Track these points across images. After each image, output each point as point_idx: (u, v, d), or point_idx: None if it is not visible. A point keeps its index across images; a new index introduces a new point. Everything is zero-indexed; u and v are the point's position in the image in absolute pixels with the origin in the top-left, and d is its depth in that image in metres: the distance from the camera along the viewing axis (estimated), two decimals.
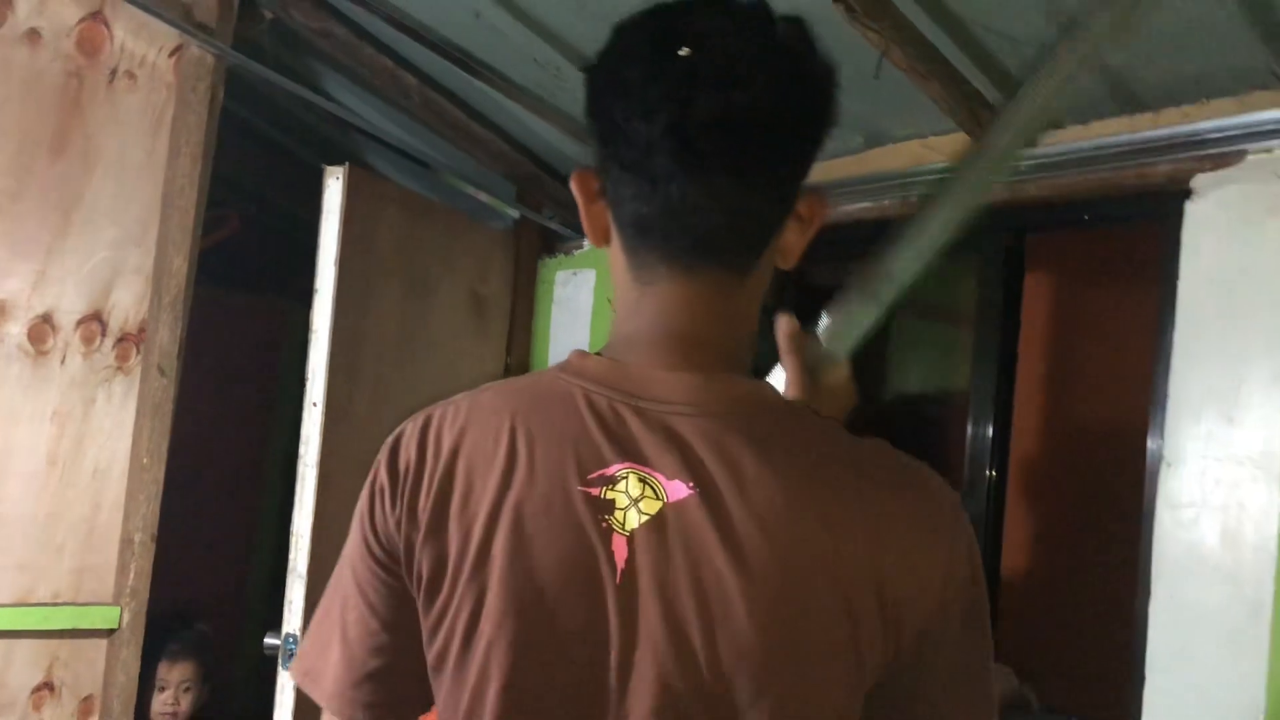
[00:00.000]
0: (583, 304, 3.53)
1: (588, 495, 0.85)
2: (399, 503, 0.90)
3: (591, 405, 0.88)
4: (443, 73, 2.94)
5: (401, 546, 0.90)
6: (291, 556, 2.57)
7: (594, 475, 0.85)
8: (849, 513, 0.86)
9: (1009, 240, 2.64)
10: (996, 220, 2.51)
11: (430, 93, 2.98)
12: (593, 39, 2.48)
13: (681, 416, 0.87)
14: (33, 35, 2.52)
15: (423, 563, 0.89)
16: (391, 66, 2.92)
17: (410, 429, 0.93)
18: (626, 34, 0.90)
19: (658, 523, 0.84)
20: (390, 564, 0.92)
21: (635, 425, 0.87)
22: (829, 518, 0.86)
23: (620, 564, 0.83)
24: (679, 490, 0.85)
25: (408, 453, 0.91)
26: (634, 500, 0.84)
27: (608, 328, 3.28)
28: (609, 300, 3.43)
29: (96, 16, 2.60)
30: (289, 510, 2.60)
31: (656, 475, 0.85)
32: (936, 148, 2.49)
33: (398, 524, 0.90)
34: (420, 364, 2.98)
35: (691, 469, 0.85)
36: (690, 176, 0.85)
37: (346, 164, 2.66)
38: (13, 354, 2.45)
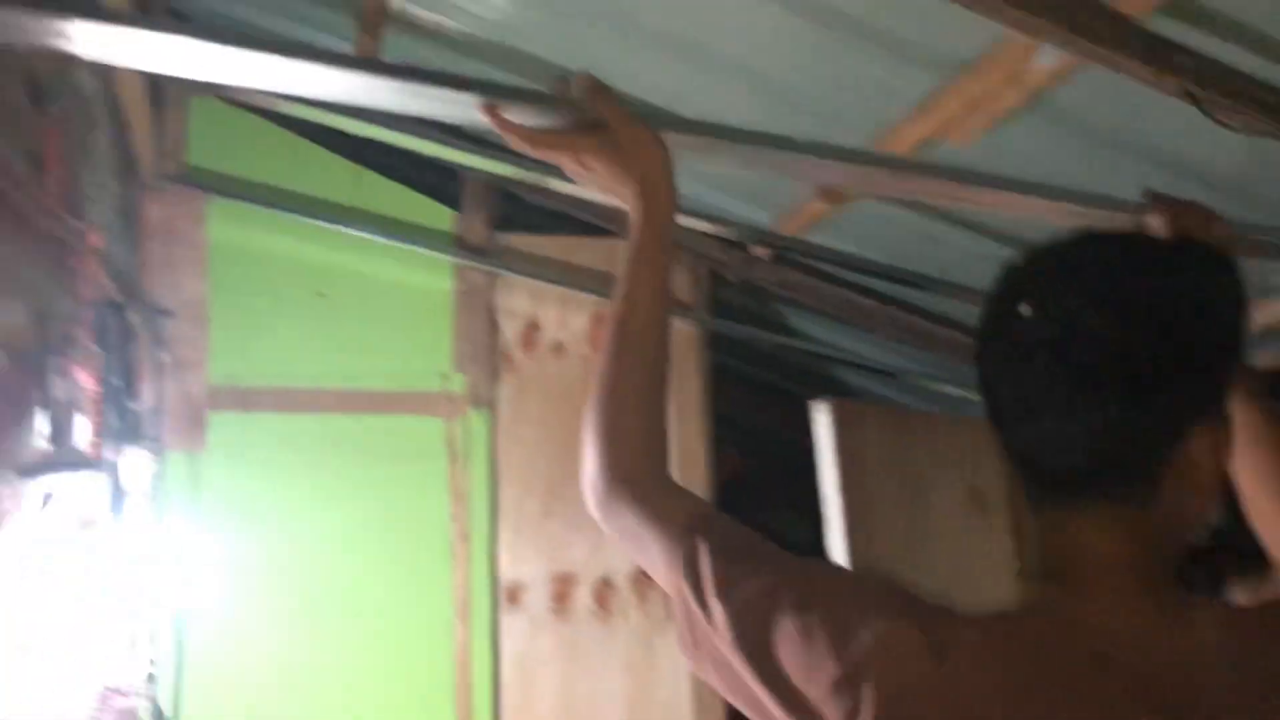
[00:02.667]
0: None
1: None
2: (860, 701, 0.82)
3: (1097, 660, 0.83)
4: (898, 288, 3.12)
5: None
6: None
7: None
8: None
9: None
10: None
11: (891, 310, 3.17)
12: (1030, 226, 2.56)
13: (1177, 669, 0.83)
14: (558, 347, 3.06)
15: None
16: (850, 295, 3.16)
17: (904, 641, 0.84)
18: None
19: None
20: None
21: (1143, 682, 0.82)
22: None
23: None
24: None
25: (905, 661, 0.82)
26: None
27: None
28: None
29: (602, 319, 3.10)
30: None
31: None
32: None
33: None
34: (928, 567, 3.04)
35: None
36: (1053, 410, 0.85)
37: (831, 400, 2.89)
38: (584, 616, 2.87)
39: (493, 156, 2.80)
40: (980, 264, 2.81)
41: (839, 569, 0.98)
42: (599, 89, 1.10)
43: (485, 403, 2.99)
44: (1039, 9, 1.73)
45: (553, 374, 3.05)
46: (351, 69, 1.07)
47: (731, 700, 0.93)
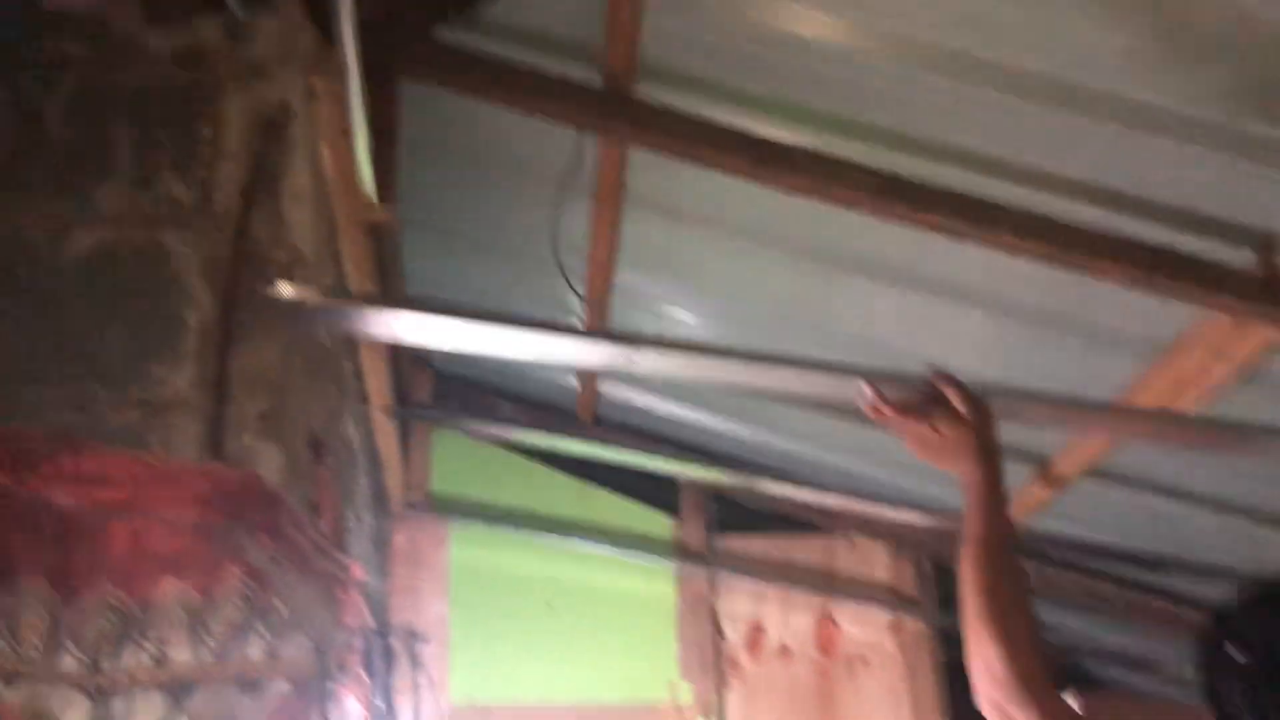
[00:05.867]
0: None
1: None
2: None
3: None
4: (1135, 570, 2.99)
5: None
6: None
7: None
8: None
9: None
10: None
11: (1131, 594, 3.03)
12: (1264, 496, 2.45)
13: None
14: (783, 650, 3.04)
15: None
16: (1086, 581, 3.04)
17: None
18: None
19: None
20: None
21: None
22: None
23: None
24: None
25: None
26: None
27: None
28: None
29: (826, 619, 3.08)
30: None
31: None
32: None
33: None
34: None
35: None
36: None
37: (1074, 691, 2.74)
38: None
39: (708, 464, 2.95)
40: (1227, 541, 2.68)
41: None
42: (946, 373, 1.37)
43: (714, 712, 2.96)
44: (1239, 291, 1.77)
45: (780, 679, 3.01)
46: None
47: None
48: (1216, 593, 2.99)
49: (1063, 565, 3.05)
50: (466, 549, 3.12)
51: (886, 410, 1.35)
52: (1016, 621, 1.21)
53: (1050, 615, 3.43)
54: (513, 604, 3.08)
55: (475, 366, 3.25)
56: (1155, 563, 2.72)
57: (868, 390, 1.37)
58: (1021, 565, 1.28)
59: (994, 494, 1.31)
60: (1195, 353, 2.00)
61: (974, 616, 1.23)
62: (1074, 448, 2.44)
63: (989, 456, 1.32)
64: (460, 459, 3.19)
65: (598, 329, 2.55)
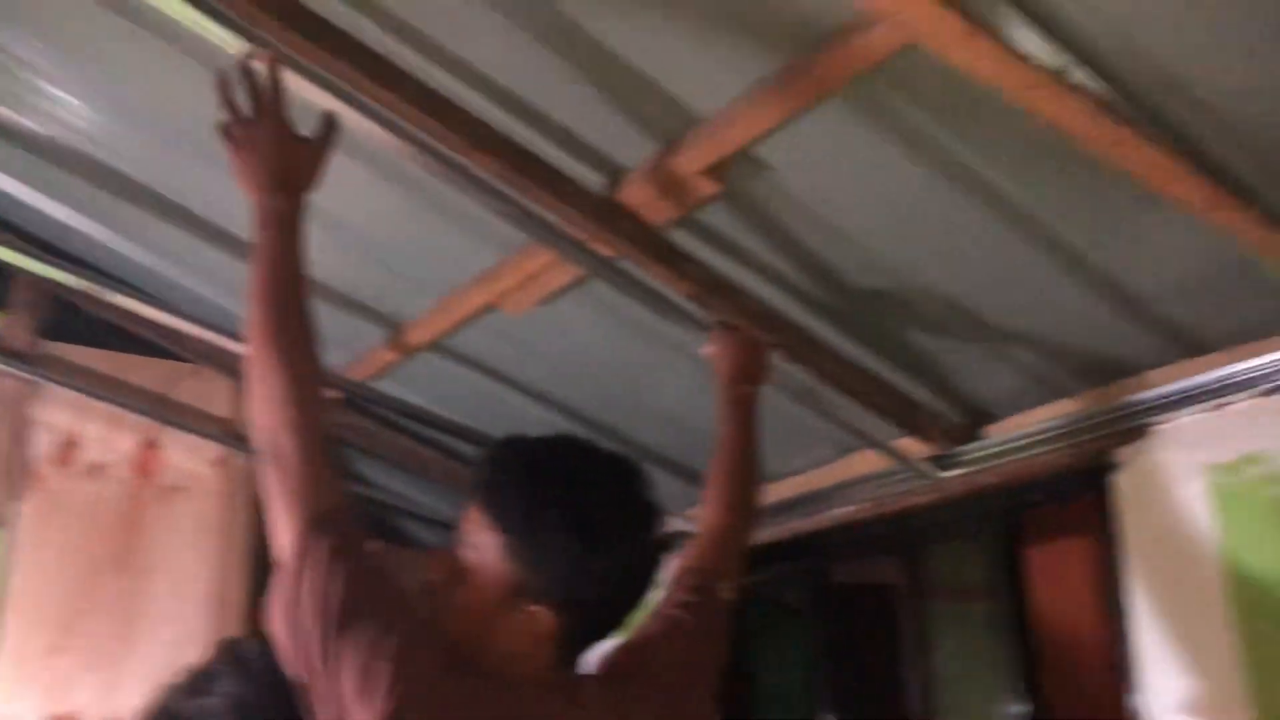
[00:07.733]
0: None
1: None
2: None
3: None
4: (458, 441, 3.28)
5: None
6: None
7: None
8: None
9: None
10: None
11: (448, 462, 3.32)
12: (576, 398, 2.83)
13: None
14: (96, 469, 2.90)
15: None
16: (411, 445, 3.28)
17: None
18: None
19: None
20: None
21: None
22: None
23: None
24: None
25: None
26: None
27: None
28: None
29: (151, 443, 2.99)
30: None
31: None
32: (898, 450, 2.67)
33: None
34: None
35: None
36: None
37: (381, 543, 2.95)
38: None
39: (51, 263, 2.68)
40: (535, 429, 3.04)
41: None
42: (337, 124, 1.52)
43: (4, 522, 2.75)
44: (585, 210, 2.00)
45: (86, 496, 2.86)
46: None
47: (293, 663, 1.17)
48: None
49: (395, 428, 3.26)
50: None
51: (276, 84, 1.44)
52: (299, 339, 1.32)
53: (376, 475, 3.65)
54: None
55: None
56: (476, 436, 3.00)
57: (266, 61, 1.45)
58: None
59: (287, 221, 1.42)
60: (543, 257, 2.24)
61: (257, 340, 1.29)
62: (426, 320, 2.61)
63: (300, 191, 1.44)
64: None
65: None
